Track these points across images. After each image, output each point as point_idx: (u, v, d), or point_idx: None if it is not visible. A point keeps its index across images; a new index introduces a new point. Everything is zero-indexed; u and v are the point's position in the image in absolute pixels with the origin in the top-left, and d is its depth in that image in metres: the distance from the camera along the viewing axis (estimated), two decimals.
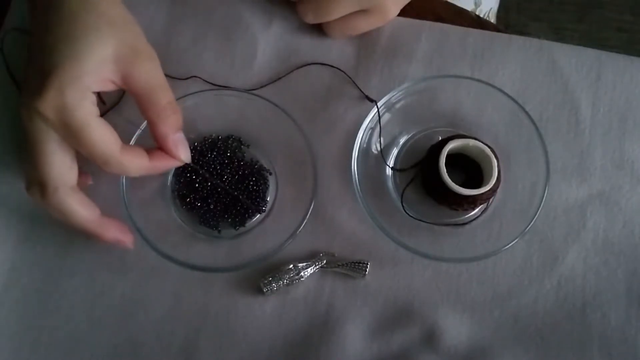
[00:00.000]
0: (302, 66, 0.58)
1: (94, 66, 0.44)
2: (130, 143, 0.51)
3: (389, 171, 0.57)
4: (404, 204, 0.55)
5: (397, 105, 0.56)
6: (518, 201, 0.55)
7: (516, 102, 0.54)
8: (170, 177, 0.56)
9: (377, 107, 0.55)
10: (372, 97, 0.57)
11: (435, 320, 0.53)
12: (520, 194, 0.55)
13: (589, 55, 0.59)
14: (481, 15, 0.75)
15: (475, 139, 0.53)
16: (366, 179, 0.54)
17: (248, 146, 0.57)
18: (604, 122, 0.58)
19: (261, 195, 0.55)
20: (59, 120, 0.43)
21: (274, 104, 0.54)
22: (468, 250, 0.54)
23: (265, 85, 0.58)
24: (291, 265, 0.53)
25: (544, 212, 0.54)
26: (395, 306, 0.54)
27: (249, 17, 0.59)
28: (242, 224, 0.55)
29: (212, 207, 0.54)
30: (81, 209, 0.47)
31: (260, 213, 0.55)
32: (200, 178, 0.54)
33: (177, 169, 0.55)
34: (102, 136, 0.44)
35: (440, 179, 0.52)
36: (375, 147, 0.56)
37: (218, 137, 0.56)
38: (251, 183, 0.55)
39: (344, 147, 0.56)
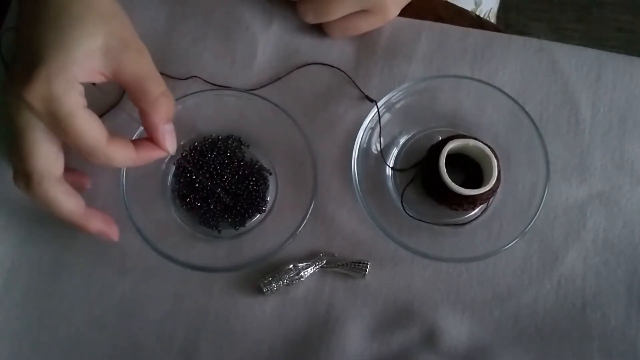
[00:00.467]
0: (302, 66, 0.58)
1: (81, 57, 0.44)
2: (133, 139, 0.51)
3: (389, 171, 0.57)
4: (404, 204, 0.55)
5: (397, 105, 0.56)
6: (518, 201, 0.55)
7: (516, 102, 0.54)
8: (170, 177, 0.56)
9: (377, 107, 0.55)
10: (372, 97, 0.57)
11: (435, 320, 0.53)
12: (520, 194, 0.55)
13: (589, 55, 0.59)
14: (481, 15, 0.75)
15: (475, 139, 0.53)
16: (366, 179, 0.54)
17: (248, 146, 0.57)
18: (604, 122, 0.58)
19: (261, 195, 0.55)
20: (46, 109, 0.43)
21: (274, 104, 0.54)
22: (468, 250, 0.54)
23: (265, 85, 0.58)
24: (291, 265, 0.53)
25: (544, 212, 0.54)
26: (395, 306, 0.54)
27: (249, 17, 0.59)
28: (242, 224, 0.55)
29: (212, 207, 0.54)
30: (66, 200, 0.47)
31: (260, 213, 0.55)
32: (201, 178, 0.54)
33: (177, 169, 0.55)
34: (88, 127, 0.44)
35: (440, 179, 0.52)
36: (375, 147, 0.56)
37: (218, 137, 0.56)
38: (251, 183, 0.55)
39: (344, 147, 0.56)
